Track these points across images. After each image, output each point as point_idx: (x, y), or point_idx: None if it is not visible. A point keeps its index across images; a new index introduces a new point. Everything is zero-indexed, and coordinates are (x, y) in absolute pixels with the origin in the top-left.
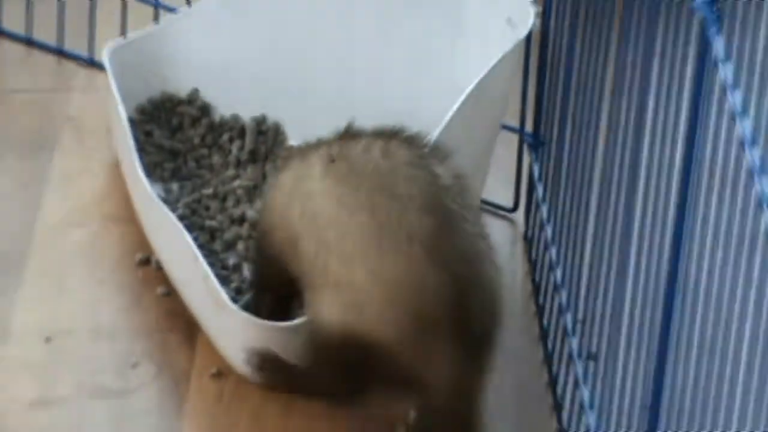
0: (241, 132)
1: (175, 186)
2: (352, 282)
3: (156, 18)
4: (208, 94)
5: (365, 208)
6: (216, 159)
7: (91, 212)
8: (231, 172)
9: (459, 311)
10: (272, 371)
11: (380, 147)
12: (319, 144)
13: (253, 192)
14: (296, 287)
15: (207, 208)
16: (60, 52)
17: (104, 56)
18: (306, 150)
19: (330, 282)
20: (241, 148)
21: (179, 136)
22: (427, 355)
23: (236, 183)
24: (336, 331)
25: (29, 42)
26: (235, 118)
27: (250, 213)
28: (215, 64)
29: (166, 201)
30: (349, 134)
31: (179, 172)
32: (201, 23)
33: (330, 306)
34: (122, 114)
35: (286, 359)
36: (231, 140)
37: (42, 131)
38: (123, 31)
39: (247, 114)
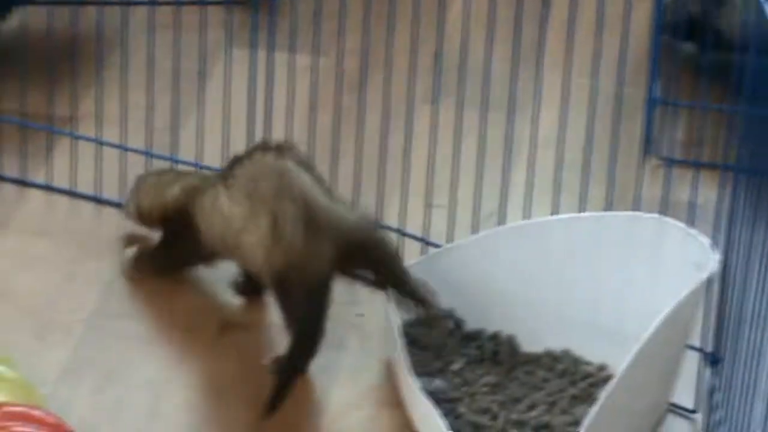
0: (488, 341)
1: (436, 382)
2: (257, 240)
3: (423, 252)
4: (461, 312)
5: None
6: (465, 361)
7: (369, 399)
8: (480, 370)
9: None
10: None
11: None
12: (216, 175)
13: (496, 388)
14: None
15: (459, 400)
16: None
17: None
18: (209, 180)
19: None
20: (486, 353)
21: (437, 342)
22: (318, 253)
23: (483, 380)
24: (269, 273)
25: None
26: (482, 330)
27: (494, 406)
28: (467, 289)
29: (429, 393)
30: (234, 161)
31: (438, 372)
32: (458, 257)
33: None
34: (395, 323)
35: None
36: (478, 348)
37: (334, 334)
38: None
39: (490, 327)
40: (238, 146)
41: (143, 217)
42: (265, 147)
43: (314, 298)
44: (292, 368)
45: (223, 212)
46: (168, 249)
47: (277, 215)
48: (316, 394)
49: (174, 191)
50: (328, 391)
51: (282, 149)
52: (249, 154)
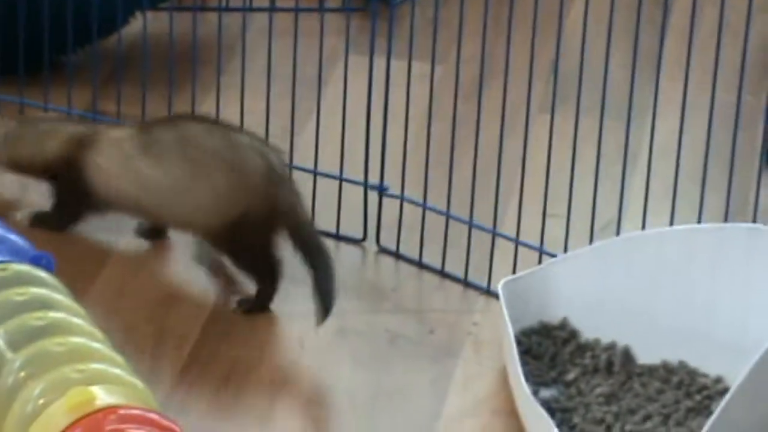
0: (603, 351)
1: (550, 391)
2: (204, 198)
3: (540, 261)
4: (576, 321)
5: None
6: (580, 371)
7: (483, 407)
8: (594, 381)
9: (271, 170)
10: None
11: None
12: (105, 127)
13: (611, 398)
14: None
15: (573, 410)
16: (466, 283)
17: (499, 288)
18: (96, 133)
19: (187, 210)
20: (601, 363)
21: (552, 352)
22: (276, 203)
23: (597, 390)
24: (220, 227)
25: (443, 274)
26: (597, 341)
27: (609, 417)
28: (581, 298)
29: (543, 403)
30: (144, 126)
31: (552, 381)
32: (574, 267)
33: (205, 219)
34: (509, 333)
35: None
36: (593, 358)
37: (449, 342)
38: (514, 270)
39: (605, 337)
40: (355, 153)
41: (21, 168)
42: (179, 117)
43: (272, 239)
44: (260, 308)
45: (146, 176)
46: (59, 203)
47: (235, 165)
48: (430, 401)
49: (55, 143)
50: (443, 399)
51: (201, 118)
52: (164, 122)
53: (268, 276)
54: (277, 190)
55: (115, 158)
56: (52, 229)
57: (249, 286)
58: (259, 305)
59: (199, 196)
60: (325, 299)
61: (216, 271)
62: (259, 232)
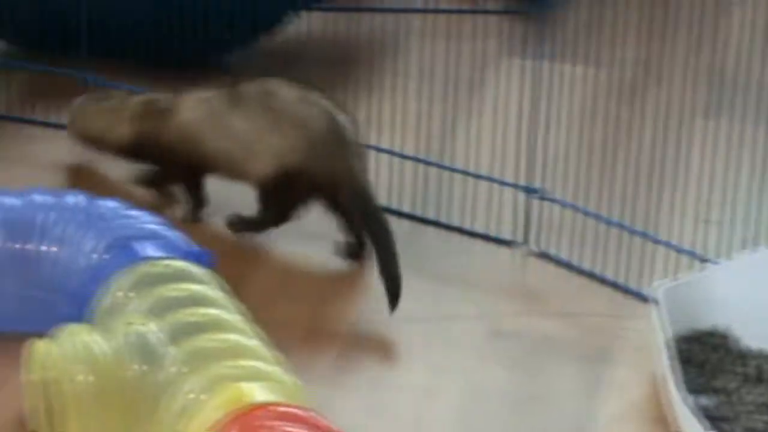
0: (760, 360)
1: (705, 399)
2: (270, 146)
3: (695, 267)
4: (737, 329)
5: (262, 115)
6: (741, 379)
7: (633, 412)
8: (752, 390)
9: (337, 131)
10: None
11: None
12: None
13: (763, 408)
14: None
15: (729, 419)
16: (618, 287)
17: (657, 293)
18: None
19: (254, 157)
20: (765, 373)
21: (703, 359)
22: (334, 163)
23: (755, 399)
24: (273, 173)
25: (595, 277)
26: (755, 349)
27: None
28: (739, 306)
29: (698, 411)
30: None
31: (708, 389)
32: (735, 273)
33: (264, 164)
34: (664, 339)
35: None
36: (750, 366)
37: (601, 346)
38: (668, 275)
39: (763, 346)
40: (511, 154)
41: (95, 144)
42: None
43: (311, 198)
44: (249, 230)
45: (235, 129)
46: (157, 172)
47: (303, 120)
48: (580, 405)
49: (126, 126)
50: (593, 402)
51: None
52: (249, 79)
53: (280, 220)
54: (339, 152)
55: (204, 113)
56: (151, 187)
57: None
58: (251, 229)
59: (267, 143)
60: (392, 284)
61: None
62: (306, 188)
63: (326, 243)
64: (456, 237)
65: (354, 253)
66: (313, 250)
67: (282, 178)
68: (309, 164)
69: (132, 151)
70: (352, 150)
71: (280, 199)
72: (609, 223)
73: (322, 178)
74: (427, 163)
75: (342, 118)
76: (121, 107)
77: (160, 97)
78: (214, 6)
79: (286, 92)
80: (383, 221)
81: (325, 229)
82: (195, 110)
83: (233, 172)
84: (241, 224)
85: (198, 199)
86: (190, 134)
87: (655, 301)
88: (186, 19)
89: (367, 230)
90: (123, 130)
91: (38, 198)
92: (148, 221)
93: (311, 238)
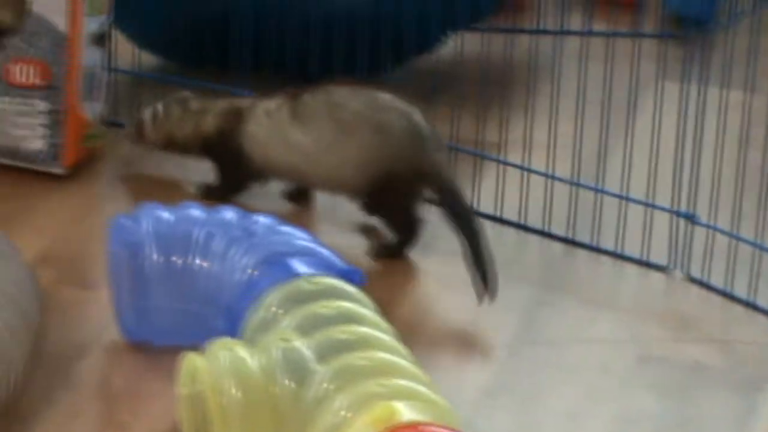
0: None
1: None
2: (350, 159)
3: None
4: None
5: (330, 128)
6: None
7: None
8: None
9: (416, 129)
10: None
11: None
12: (253, 101)
13: None
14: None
15: None
16: None
17: None
18: (246, 106)
19: (335, 171)
20: None
21: None
22: (421, 161)
23: None
24: (368, 186)
25: (751, 305)
26: None
27: None
28: None
29: None
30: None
31: None
32: None
33: (351, 179)
34: None
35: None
36: None
37: (755, 375)
38: None
39: None
40: (665, 179)
41: (177, 146)
42: (325, 83)
43: (415, 198)
44: (391, 255)
45: (297, 139)
46: (223, 176)
47: (379, 125)
48: None
49: (211, 119)
50: None
51: (346, 82)
52: (311, 89)
53: (408, 231)
54: (422, 150)
55: (268, 126)
56: (219, 199)
57: None
58: (390, 253)
59: (346, 156)
60: (487, 280)
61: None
62: (403, 190)
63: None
64: (608, 261)
65: (390, 253)
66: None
67: (380, 188)
68: (397, 167)
69: (208, 147)
70: (434, 145)
71: (386, 206)
72: (765, 249)
73: (413, 178)
74: (581, 186)
75: (416, 115)
76: (206, 108)
77: (243, 102)
78: (379, 27)
79: (354, 102)
80: (472, 216)
81: None
82: (261, 121)
83: (310, 183)
84: (382, 248)
85: (232, 189)
86: (258, 145)
87: None
88: (351, 38)
89: (455, 219)
90: (206, 127)
91: (194, 213)
92: (301, 237)
93: (460, 255)
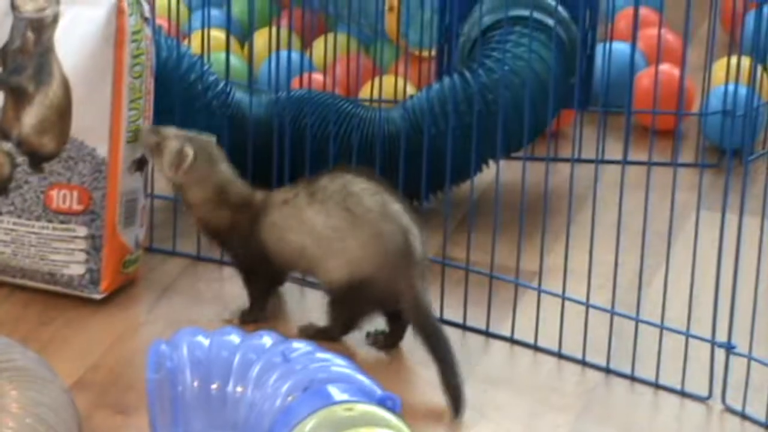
0: None
1: None
2: (345, 250)
3: None
4: None
5: (341, 215)
6: None
7: None
8: None
9: (409, 250)
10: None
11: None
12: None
13: None
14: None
15: None
16: None
17: None
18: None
19: (330, 257)
20: None
21: None
22: (401, 281)
23: None
24: (346, 281)
25: None
26: None
27: None
28: None
29: None
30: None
31: None
32: None
33: (340, 269)
34: None
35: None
36: None
37: None
38: None
39: None
40: (704, 308)
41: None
42: (343, 170)
43: (377, 309)
44: (323, 338)
45: (309, 218)
46: (251, 285)
47: (380, 232)
48: None
49: (226, 213)
50: None
51: (366, 174)
52: (326, 175)
53: (348, 329)
54: (406, 270)
55: (287, 213)
56: (255, 320)
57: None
58: (322, 337)
59: (344, 246)
60: (454, 396)
61: None
62: (373, 299)
63: (514, 387)
64: (646, 390)
65: (389, 343)
66: (504, 396)
67: (355, 287)
68: (379, 277)
69: (225, 236)
70: (419, 270)
71: (350, 307)
72: None
73: (387, 293)
74: (618, 314)
75: (414, 237)
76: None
77: (258, 194)
78: (419, 159)
79: (368, 198)
80: (442, 336)
81: (515, 375)
82: (279, 210)
83: (309, 267)
84: (313, 333)
85: (262, 303)
86: (276, 233)
87: None
88: (391, 167)
89: (427, 344)
90: (222, 217)
91: (231, 337)
92: (339, 364)
93: (499, 382)
